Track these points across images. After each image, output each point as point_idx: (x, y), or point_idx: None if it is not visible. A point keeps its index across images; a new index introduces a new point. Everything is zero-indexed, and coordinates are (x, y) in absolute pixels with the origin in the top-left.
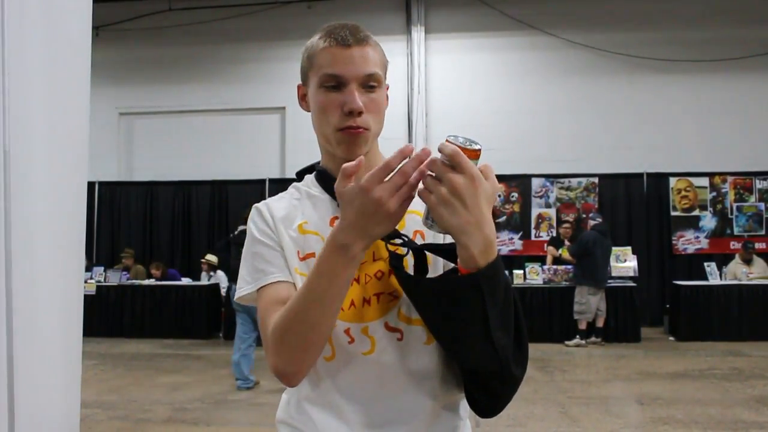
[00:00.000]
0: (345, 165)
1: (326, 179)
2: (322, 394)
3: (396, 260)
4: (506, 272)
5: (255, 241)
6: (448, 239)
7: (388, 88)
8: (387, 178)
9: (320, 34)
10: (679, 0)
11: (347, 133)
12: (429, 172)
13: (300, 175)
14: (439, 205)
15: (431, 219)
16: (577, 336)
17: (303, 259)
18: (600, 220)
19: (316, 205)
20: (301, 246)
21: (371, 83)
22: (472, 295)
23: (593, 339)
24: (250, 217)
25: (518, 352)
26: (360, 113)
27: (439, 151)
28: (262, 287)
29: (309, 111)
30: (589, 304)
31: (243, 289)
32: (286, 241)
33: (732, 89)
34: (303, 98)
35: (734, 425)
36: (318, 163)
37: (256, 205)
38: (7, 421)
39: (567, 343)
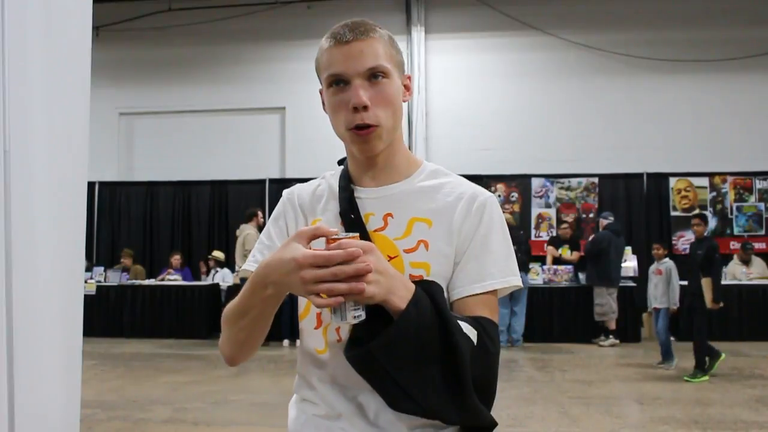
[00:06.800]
0: (303, 230)
1: (345, 179)
2: (317, 386)
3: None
4: (432, 310)
5: (267, 229)
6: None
7: (410, 79)
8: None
9: (325, 36)
10: (679, 0)
11: (355, 134)
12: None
13: (341, 163)
14: (370, 286)
15: (354, 309)
16: (610, 336)
17: None
18: (613, 219)
19: (330, 203)
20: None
21: (376, 75)
22: (372, 365)
23: (611, 340)
24: (280, 200)
25: (459, 398)
26: (365, 108)
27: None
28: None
29: None
30: (610, 303)
31: (242, 267)
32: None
33: (732, 89)
34: (324, 103)
35: (734, 425)
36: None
37: (286, 191)
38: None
39: (601, 343)
